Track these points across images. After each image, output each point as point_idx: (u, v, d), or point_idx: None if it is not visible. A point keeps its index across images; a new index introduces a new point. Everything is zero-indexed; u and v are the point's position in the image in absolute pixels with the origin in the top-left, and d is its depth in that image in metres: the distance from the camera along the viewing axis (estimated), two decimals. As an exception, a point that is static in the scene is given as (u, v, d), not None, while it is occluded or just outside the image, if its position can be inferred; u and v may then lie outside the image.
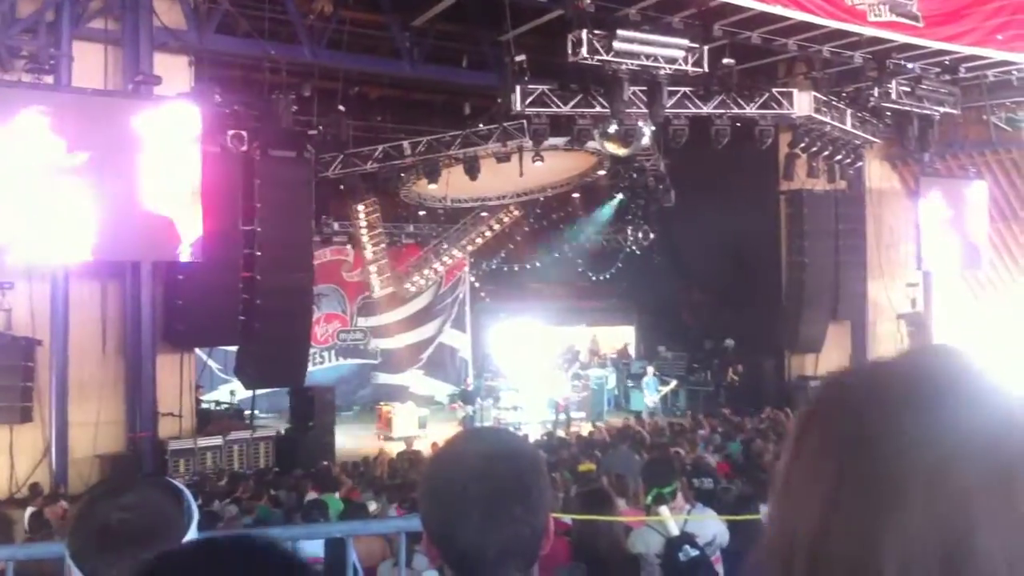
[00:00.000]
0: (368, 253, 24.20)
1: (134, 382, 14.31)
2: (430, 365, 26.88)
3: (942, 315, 22.61)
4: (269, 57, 16.31)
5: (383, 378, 26.02)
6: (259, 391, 18.07)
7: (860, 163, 21.11)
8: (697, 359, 24.31)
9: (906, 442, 0.73)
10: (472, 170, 20.13)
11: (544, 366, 24.06)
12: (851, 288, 21.78)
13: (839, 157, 20.05)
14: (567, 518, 5.23)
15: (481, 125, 19.87)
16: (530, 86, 16.14)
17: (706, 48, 15.52)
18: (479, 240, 26.35)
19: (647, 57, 14.76)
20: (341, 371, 25.15)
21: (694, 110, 17.30)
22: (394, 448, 17.40)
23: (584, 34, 14.10)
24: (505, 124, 18.93)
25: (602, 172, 23.86)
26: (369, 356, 26.13)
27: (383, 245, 24.48)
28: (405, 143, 20.52)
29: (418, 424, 20.69)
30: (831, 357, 21.90)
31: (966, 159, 22.44)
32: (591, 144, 18.78)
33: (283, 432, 17.27)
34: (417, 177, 21.48)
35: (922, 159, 21.30)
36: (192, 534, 1.89)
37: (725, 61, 16.54)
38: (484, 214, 25.93)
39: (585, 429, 18.84)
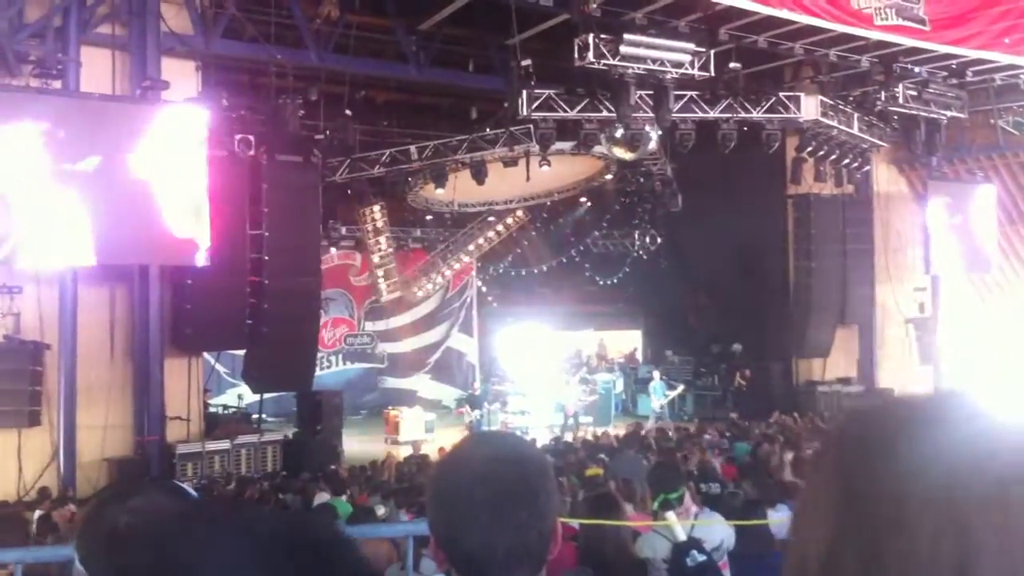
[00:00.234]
0: (375, 257, 24.23)
1: (142, 386, 14.34)
2: (437, 369, 26.89)
3: (950, 319, 22.56)
4: (275, 61, 16.34)
5: (390, 382, 26.04)
6: (267, 395, 18.11)
7: (867, 167, 21.09)
8: (704, 363, 24.27)
9: (903, 469, 0.73)
10: (479, 174, 20.14)
11: (551, 371, 24.05)
12: (859, 292, 21.74)
13: (846, 161, 20.02)
14: (574, 522, 5.23)
15: (488, 129, 19.88)
16: (536, 90, 16.17)
17: (712, 52, 15.52)
18: (486, 245, 26.37)
19: (653, 61, 14.76)
20: (348, 375, 25.19)
21: (701, 114, 17.30)
22: (401, 452, 17.41)
23: (591, 38, 14.11)
24: (512, 128, 18.95)
25: (609, 176, 23.86)
26: (376, 360, 26.15)
27: (391, 249, 24.51)
28: (412, 147, 20.53)
29: (425, 428, 20.70)
30: (839, 362, 21.88)
31: (973, 163, 22.39)
32: (598, 148, 18.81)
33: (290, 436, 17.30)
34: (424, 182, 21.50)
35: (929, 163, 21.25)
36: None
37: (732, 65, 16.52)
38: (491, 219, 25.95)
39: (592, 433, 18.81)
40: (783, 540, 5.14)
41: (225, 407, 20.08)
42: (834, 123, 18.89)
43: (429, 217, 25.67)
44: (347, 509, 9.07)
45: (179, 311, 14.84)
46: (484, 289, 28.07)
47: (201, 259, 13.81)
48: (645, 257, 27.43)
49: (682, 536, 4.84)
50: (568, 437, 18.66)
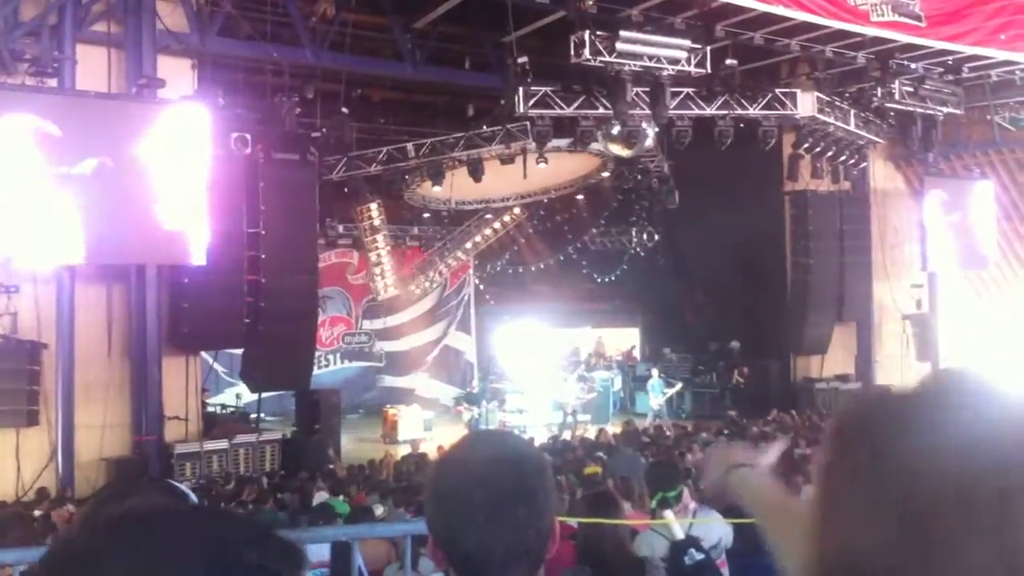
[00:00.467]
0: (373, 256, 24.21)
1: (140, 385, 14.31)
2: (435, 368, 26.86)
3: (947, 315, 22.57)
4: (272, 59, 16.33)
5: (388, 381, 26.01)
6: (265, 394, 18.07)
7: (864, 164, 21.10)
8: (702, 361, 24.26)
9: (908, 461, 0.73)
10: (476, 172, 20.12)
11: (549, 369, 24.04)
12: (856, 289, 21.73)
13: (843, 158, 20.03)
14: (573, 521, 5.23)
15: (485, 127, 19.86)
16: (533, 88, 16.16)
17: (709, 49, 15.53)
18: (483, 242, 26.36)
19: (650, 58, 14.77)
20: (346, 374, 25.15)
21: (697, 111, 17.30)
22: (399, 451, 17.41)
23: (587, 35, 14.11)
24: (508, 126, 18.94)
25: (606, 174, 23.86)
26: (374, 359, 26.12)
27: (388, 247, 24.49)
28: (409, 145, 20.50)
29: (423, 427, 20.68)
30: (837, 358, 21.89)
31: (970, 159, 22.42)
32: (594, 146, 18.80)
33: (289, 435, 17.27)
34: (421, 179, 21.47)
35: (926, 159, 21.28)
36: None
37: (728, 62, 16.54)
38: (488, 216, 25.94)
39: (591, 431, 18.81)
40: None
41: (223, 406, 20.05)
42: (830, 119, 18.90)
43: (426, 215, 25.66)
44: (345, 509, 9.07)
45: (176, 310, 14.80)
46: (482, 287, 28.05)
47: (198, 258, 13.80)
48: (642, 254, 27.41)
49: (680, 534, 4.85)
50: (566, 435, 18.66)
